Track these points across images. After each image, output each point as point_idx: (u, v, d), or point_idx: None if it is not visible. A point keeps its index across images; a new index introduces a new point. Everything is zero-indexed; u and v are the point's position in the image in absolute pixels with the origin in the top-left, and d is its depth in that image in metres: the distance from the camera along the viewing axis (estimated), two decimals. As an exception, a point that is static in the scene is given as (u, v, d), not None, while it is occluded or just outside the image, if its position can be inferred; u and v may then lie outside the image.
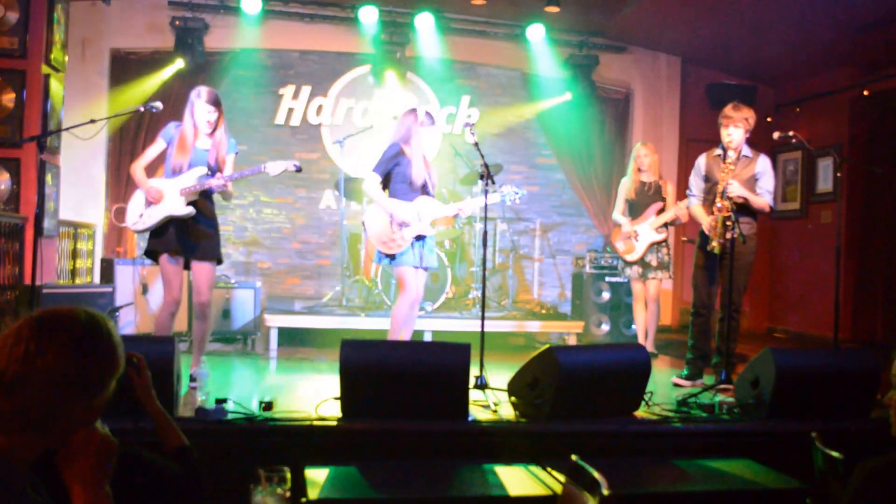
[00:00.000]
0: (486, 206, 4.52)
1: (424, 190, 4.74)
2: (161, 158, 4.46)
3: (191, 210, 4.28)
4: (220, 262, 4.47)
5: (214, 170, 4.36)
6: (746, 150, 4.90)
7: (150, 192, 4.28)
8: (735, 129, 4.80)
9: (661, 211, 6.07)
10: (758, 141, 5.44)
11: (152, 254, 4.38)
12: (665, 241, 6.08)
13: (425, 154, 4.80)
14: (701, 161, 5.05)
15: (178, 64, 7.25)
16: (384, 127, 7.10)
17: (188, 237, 4.31)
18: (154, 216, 4.30)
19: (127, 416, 1.88)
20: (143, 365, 1.93)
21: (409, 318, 4.76)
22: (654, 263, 6.05)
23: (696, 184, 5.05)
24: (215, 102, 4.34)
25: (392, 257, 4.67)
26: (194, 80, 7.01)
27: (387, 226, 4.67)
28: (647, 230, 6.05)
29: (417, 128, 4.69)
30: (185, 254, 4.34)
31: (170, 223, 4.30)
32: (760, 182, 4.87)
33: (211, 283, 4.41)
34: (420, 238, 4.68)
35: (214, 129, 4.38)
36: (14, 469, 1.41)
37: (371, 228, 4.74)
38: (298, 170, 4.44)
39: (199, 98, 4.33)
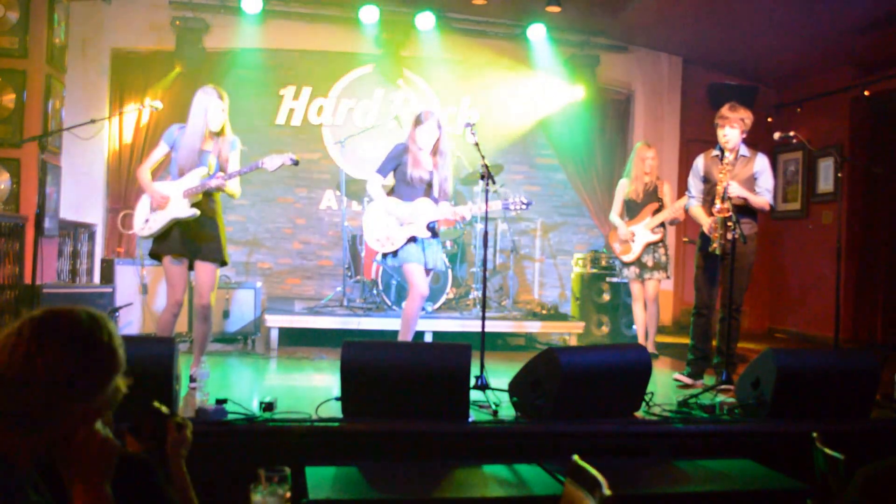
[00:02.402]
0: (486, 207, 4.51)
1: (429, 191, 4.74)
2: (164, 161, 4.46)
3: (195, 212, 4.27)
4: (223, 263, 4.44)
5: (217, 169, 4.36)
6: (744, 150, 4.89)
7: (155, 198, 4.29)
8: (731, 130, 4.79)
9: (657, 211, 6.08)
10: (758, 141, 5.44)
11: (156, 256, 4.39)
12: (661, 241, 6.08)
13: (438, 156, 4.75)
14: (699, 162, 5.03)
15: (179, 64, 7.25)
16: (385, 127, 7.08)
17: (191, 239, 4.30)
18: (159, 220, 4.30)
19: (127, 417, 1.88)
20: (187, 428, 1.91)
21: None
22: (649, 264, 6.05)
23: (694, 185, 5.04)
24: (220, 100, 4.34)
25: (394, 254, 4.69)
26: (195, 80, 7.00)
27: (381, 224, 4.71)
28: (643, 231, 6.05)
29: (413, 129, 4.71)
30: (188, 255, 4.34)
31: (173, 226, 4.30)
32: (759, 181, 4.86)
33: (212, 284, 4.38)
34: (414, 239, 4.69)
35: (220, 129, 4.38)
36: (15, 469, 1.41)
37: (366, 226, 4.81)
38: (295, 163, 4.37)
39: (205, 95, 4.32)
